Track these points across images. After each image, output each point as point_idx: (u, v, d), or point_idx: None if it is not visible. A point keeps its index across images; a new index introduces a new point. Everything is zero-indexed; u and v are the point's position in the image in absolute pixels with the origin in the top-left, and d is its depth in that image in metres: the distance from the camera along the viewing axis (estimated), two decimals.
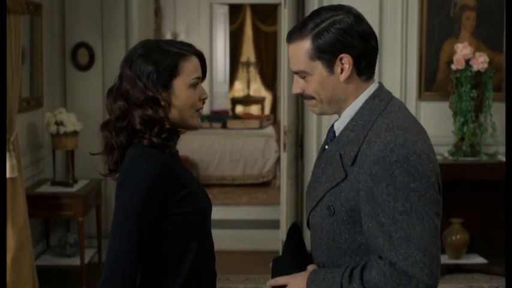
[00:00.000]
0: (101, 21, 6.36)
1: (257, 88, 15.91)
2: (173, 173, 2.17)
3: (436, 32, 6.33)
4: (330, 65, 2.11)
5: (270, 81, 15.84)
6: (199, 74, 2.27)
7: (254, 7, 15.33)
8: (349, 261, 2.13)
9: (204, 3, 12.79)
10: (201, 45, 12.12)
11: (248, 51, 15.67)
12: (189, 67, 2.23)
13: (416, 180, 1.99)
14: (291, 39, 2.16)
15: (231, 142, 10.08)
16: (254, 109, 15.47)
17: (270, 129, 10.96)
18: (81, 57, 6.35)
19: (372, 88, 2.17)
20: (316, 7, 6.18)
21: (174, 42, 2.27)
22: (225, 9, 13.58)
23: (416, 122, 2.15)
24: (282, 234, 6.25)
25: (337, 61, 2.10)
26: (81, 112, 6.18)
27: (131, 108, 2.19)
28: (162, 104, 2.20)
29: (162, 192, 2.13)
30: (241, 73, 15.54)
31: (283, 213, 6.29)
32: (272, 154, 10.02)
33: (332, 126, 2.24)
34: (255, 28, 15.69)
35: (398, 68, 6.35)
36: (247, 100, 15.47)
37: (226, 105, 13.78)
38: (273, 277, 2.23)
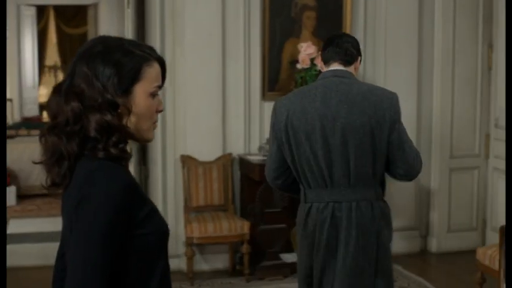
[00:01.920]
0: None
1: None
2: (136, 189, 1.91)
3: (278, 32, 6.37)
4: None
5: None
6: (160, 82, 2.02)
7: (58, 9, 14.75)
8: None
9: (11, 4, 12.10)
10: (9, 48, 11.48)
11: (54, 55, 15.05)
12: (152, 74, 1.98)
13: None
14: None
15: None
16: None
17: None
18: None
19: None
20: (157, 8, 6.08)
21: (136, 44, 2.00)
22: (32, 11, 12.93)
23: (303, 92, 3.48)
24: None
25: None
26: None
27: (86, 111, 1.89)
28: (119, 110, 1.92)
29: (128, 211, 1.85)
30: (48, 77, 14.88)
31: None
32: None
33: None
34: (60, 31, 15.12)
35: (241, 68, 6.32)
36: None
37: (36, 111, 13.10)
38: None
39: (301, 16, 6.40)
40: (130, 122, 1.95)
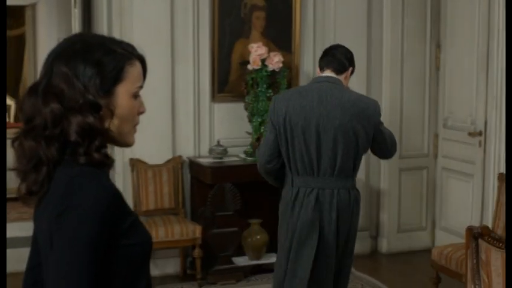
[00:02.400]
0: None
1: None
2: (120, 197, 1.79)
3: (228, 33, 6.27)
4: None
5: (12, 87, 14.93)
6: (142, 82, 1.91)
7: None
8: None
9: None
10: None
11: None
12: (134, 73, 1.86)
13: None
14: None
15: None
16: None
17: None
18: None
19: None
20: (104, 7, 5.92)
21: (117, 41, 1.88)
22: None
23: (301, 92, 4.07)
24: None
25: None
26: None
27: (66, 113, 1.75)
28: (102, 112, 1.78)
29: (112, 220, 1.73)
30: None
31: None
32: None
33: None
34: None
35: (191, 70, 6.21)
36: None
37: None
38: None
39: (250, 16, 6.33)
40: (113, 124, 1.83)
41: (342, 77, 4.16)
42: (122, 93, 1.84)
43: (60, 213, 1.71)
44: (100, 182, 1.75)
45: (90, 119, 1.76)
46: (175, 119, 6.20)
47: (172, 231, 5.82)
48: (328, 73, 4.14)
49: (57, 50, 1.83)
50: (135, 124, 1.91)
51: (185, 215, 6.25)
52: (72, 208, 1.70)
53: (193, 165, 6.18)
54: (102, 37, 1.89)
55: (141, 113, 1.92)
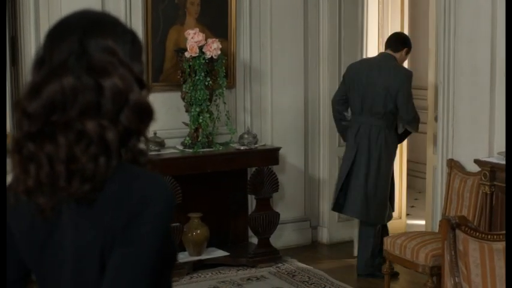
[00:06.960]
0: None
1: None
2: None
3: (161, 19, 5.98)
4: None
5: None
6: None
7: None
8: None
9: None
10: None
11: None
12: None
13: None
14: None
15: None
16: None
17: None
18: None
19: None
20: None
21: None
22: None
23: (370, 60, 5.97)
24: None
25: None
26: None
27: (126, 90, 1.52)
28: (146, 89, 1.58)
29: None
30: None
31: None
32: None
33: None
34: None
35: None
36: None
37: None
38: None
39: (184, 2, 6.05)
40: None
41: (397, 55, 5.68)
42: None
43: (130, 220, 1.47)
44: (166, 182, 1.54)
45: (145, 99, 1.55)
46: None
47: None
48: (387, 51, 5.76)
49: (80, 25, 1.53)
50: None
51: None
52: (146, 213, 1.47)
53: None
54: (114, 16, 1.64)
55: None
